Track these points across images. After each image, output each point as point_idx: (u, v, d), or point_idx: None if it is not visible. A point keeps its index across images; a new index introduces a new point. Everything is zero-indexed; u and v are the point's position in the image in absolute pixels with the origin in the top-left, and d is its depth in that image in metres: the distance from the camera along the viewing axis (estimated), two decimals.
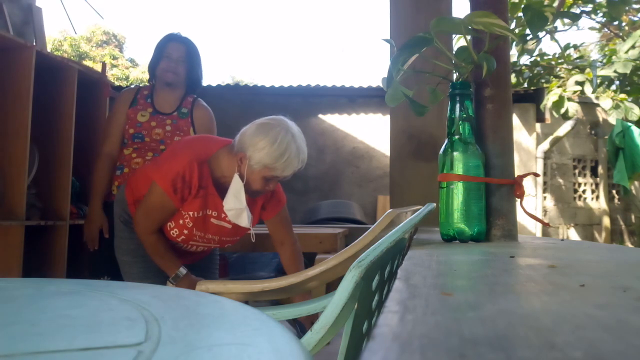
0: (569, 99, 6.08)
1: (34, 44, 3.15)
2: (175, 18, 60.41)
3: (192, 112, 2.18)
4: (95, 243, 2.19)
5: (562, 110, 5.99)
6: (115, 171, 2.18)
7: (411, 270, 0.55)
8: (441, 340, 0.26)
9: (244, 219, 1.65)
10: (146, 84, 2.36)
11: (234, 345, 0.43)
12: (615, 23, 7.17)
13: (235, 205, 1.63)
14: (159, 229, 1.68)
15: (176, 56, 2.15)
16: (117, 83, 8.85)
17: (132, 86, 2.28)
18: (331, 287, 1.80)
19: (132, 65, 16.70)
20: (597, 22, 7.35)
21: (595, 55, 7.72)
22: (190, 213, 1.65)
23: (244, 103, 5.96)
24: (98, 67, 3.35)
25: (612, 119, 6.32)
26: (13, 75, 2.57)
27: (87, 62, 13.03)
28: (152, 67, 2.19)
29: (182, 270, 1.68)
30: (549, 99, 6.01)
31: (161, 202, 1.64)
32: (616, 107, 6.16)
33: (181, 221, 1.67)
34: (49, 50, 4.15)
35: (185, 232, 1.69)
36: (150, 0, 60.15)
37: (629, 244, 6.86)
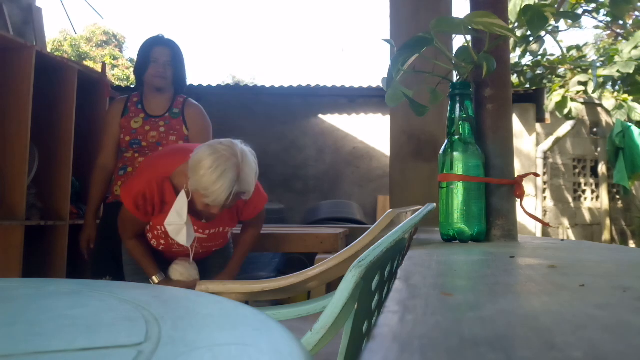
0: (572, 100, 6.08)
1: (34, 44, 3.15)
2: (175, 18, 60.42)
3: (184, 111, 2.19)
4: (86, 252, 2.27)
5: (566, 111, 5.99)
6: (109, 182, 2.23)
7: (411, 270, 0.55)
8: (441, 340, 0.26)
9: (183, 236, 1.63)
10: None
11: (234, 345, 0.43)
12: (621, 22, 7.16)
13: (176, 221, 1.61)
14: (137, 235, 1.76)
15: (163, 60, 2.16)
16: (117, 83, 8.85)
17: (120, 97, 2.28)
18: (331, 287, 1.80)
19: (133, 66, 16.70)
20: (600, 22, 7.35)
21: (592, 55, 7.71)
22: (162, 227, 1.69)
23: (244, 103, 5.96)
24: (98, 68, 3.35)
25: (615, 121, 6.33)
26: (13, 75, 2.57)
27: (88, 63, 13.03)
28: (140, 73, 2.19)
29: (154, 280, 1.74)
30: (552, 100, 6.01)
31: (129, 216, 1.71)
32: (619, 107, 6.16)
33: (155, 232, 1.74)
34: (49, 50, 4.15)
35: (162, 242, 1.75)
36: (150, 0, 60.15)
37: (631, 244, 6.86)
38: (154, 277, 1.74)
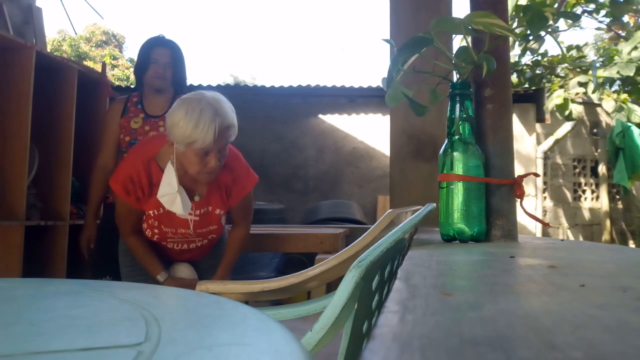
0: (573, 101, 6.07)
1: (34, 44, 3.15)
2: (174, 18, 60.40)
3: None
4: (86, 252, 2.28)
5: (566, 113, 5.99)
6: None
7: (411, 270, 0.55)
8: (441, 340, 0.26)
9: (178, 205, 1.63)
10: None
11: (234, 345, 0.43)
12: (622, 23, 7.16)
13: (167, 191, 1.63)
14: (135, 231, 1.75)
15: (163, 61, 2.15)
16: (117, 83, 8.84)
17: (120, 97, 2.28)
18: (331, 287, 1.80)
19: (133, 66, 16.66)
20: (600, 22, 7.34)
21: (592, 56, 7.71)
22: (152, 212, 1.69)
23: (244, 103, 5.95)
24: (98, 67, 3.35)
25: (615, 121, 6.32)
26: (13, 75, 2.57)
27: (87, 63, 13.03)
28: (140, 73, 2.19)
29: (159, 279, 1.74)
30: (553, 101, 6.01)
31: (123, 206, 1.70)
32: (619, 109, 6.16)
33: (150, 221, 1.72)
34: (49, 50, 4.15)
35: (156, 231, 1.73)
36: (150, 0, 60.14)
37: (631, 244, 6.86)
38: (158, 277, 1.73)
